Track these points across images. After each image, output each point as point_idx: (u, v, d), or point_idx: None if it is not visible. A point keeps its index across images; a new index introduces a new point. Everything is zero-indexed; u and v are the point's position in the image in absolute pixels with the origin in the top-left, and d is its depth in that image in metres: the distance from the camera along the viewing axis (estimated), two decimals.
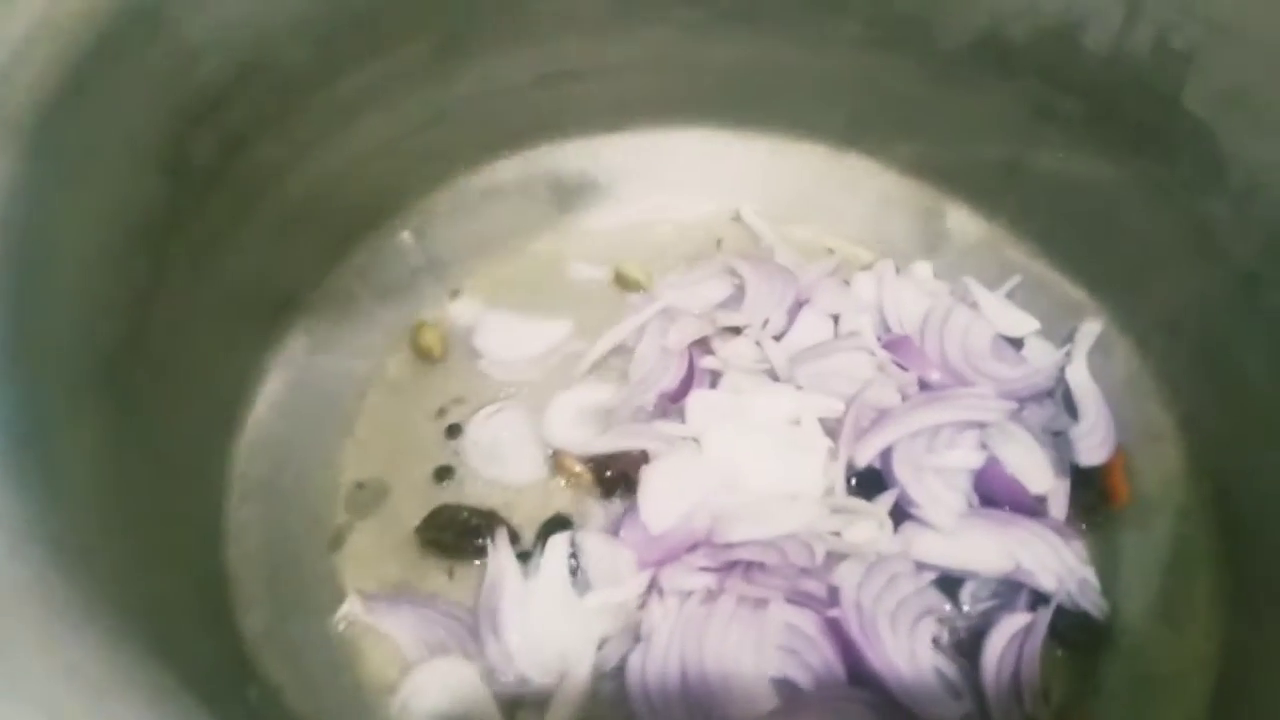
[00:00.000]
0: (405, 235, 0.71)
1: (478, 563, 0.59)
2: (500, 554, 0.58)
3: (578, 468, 0.63)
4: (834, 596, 0.54)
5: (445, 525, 0.61)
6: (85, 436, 0.39)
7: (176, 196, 0.50)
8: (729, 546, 0.55)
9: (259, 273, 0.60)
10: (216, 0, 0.49)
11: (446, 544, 0.60)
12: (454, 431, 0.65)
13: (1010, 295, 0.69)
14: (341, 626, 0.57)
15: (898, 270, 0.71)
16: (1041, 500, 0.60)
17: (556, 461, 0.64)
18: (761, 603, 0.54)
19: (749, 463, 0.59)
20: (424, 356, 0.69)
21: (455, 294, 0.72)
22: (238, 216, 0.56)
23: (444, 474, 0.64)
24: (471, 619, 0.57)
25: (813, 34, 0.68)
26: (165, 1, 0.46)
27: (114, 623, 0.28)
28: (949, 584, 0.57)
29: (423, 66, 0.65)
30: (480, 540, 0.59)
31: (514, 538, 0.60)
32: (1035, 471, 0.60)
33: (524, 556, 0.59)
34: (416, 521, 0.61)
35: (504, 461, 0.64)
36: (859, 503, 0.57)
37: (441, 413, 0.66)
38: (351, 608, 0.57)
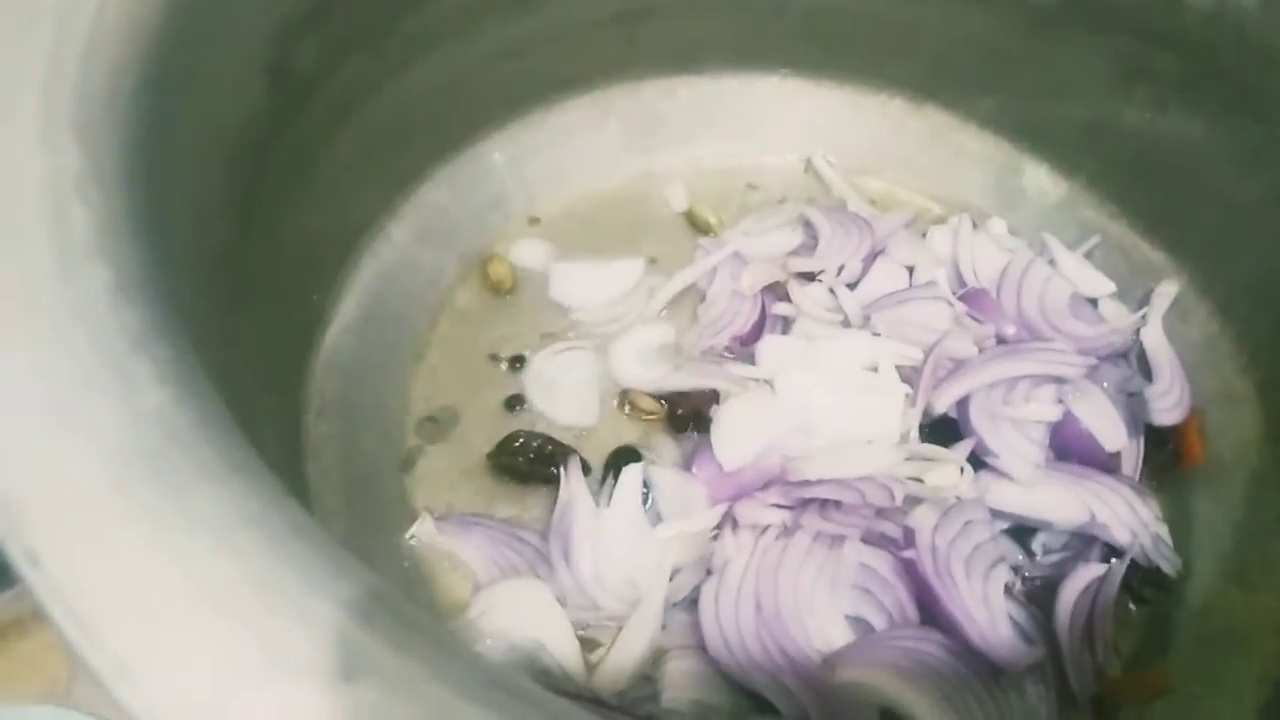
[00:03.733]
0: (479, 168, 0.71)
1: (546, 489, 0.60)
2: (573, 482, 0.58)
3: (649, 404, 0.63)
4: (909, 539, 0.54)
5: (519, 450, 0.61)
6: (207, 325, 0.39)
7: (278, 105, 0.50)
8: (804, 485, 0.56)
9: (344, 190, 0.60)
10: None
11: (519, 469, 0.60)
12: (517, 364, 0.66)
13: (1088, 255, 0.69)
14: (414, 544, 0.57)
15: (974, 226, 0.70)
16: (1115, 457, 0.60)
17: (626, 399, 0.64)
18: (837, 541, 0.54)
19: (823, 406, 0.59)
20: (494, 289, 0.69)
21: (527, 227, 0.72)
22: (330, 129, 0.56)
23: (515, 402, 0.64)
24: (543, 544, 0.57)
25: None
26: None
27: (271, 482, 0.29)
28: (1021, 534, 0.57)
29: None
30: (553, 468, 0.59)
31: (585, 468, 0.60)
32: (1110, 429, 0.60)
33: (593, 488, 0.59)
34: (486, 448, 0.61)
35: (561, 402, 0.64)
36: (937, 449, 0.57)
37: (509, 345, 0.66)
38: (423, 527, 0.57)
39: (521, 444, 0.60)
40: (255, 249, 0.50)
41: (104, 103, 0.34)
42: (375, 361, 0.63)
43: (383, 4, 0.57)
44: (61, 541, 0.24)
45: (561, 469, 0.59)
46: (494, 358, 0.66)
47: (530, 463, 0.60)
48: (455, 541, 0.57)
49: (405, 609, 0.27)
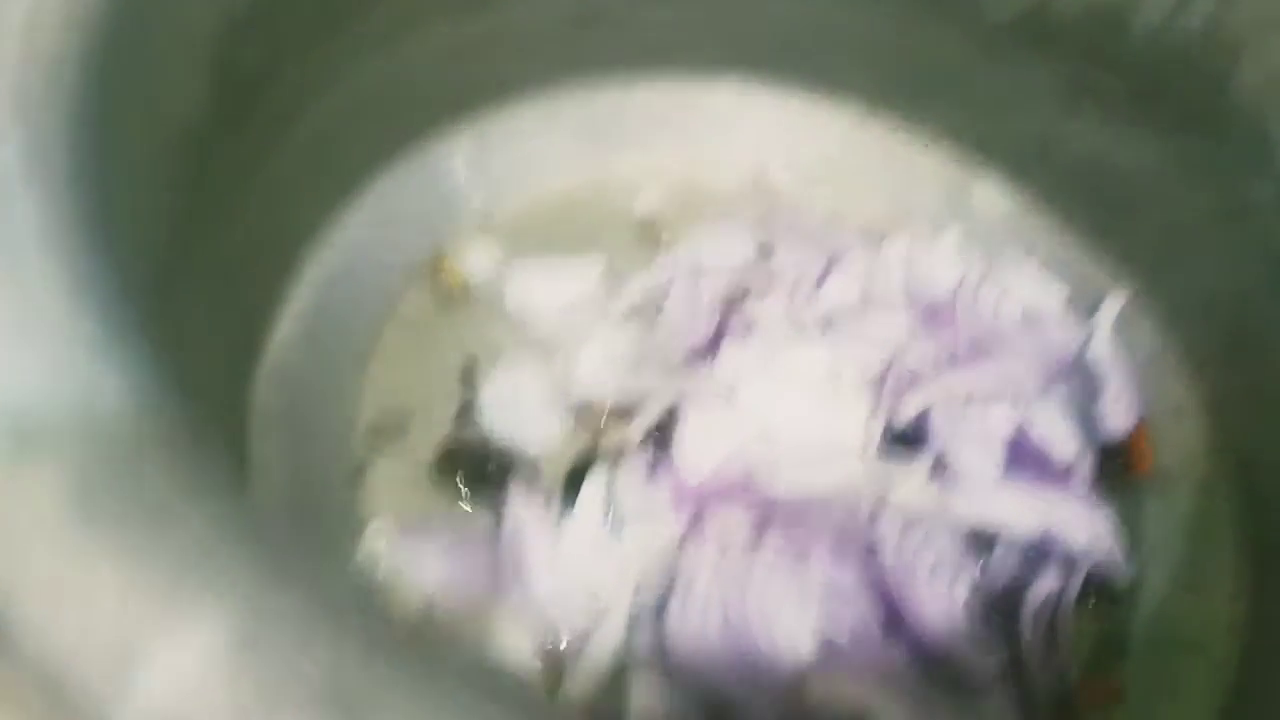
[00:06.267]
0: (427, 170, 0.69)
1: (499, 500, 0.58)
2: (516, 500, 0.56)
3: (606, 413, 0.62)
4: (873, 551, 0.54)
5: (462, 458, 0.59)
6: (152, 336, 0.36)
7: (223, 103, 0.48)
8: (769, 497, 0.55)
9: (288, 194, 0.58)
10: None
11: (464, 478, 0.59)
12: (469, 373, 0.64)
13: (1037, 269, 0.70)
14: (365, 559, 0.55)
15: (926, 238, 0.71)
16: (1068, 468, 0.61)
17: (584, 411, 0.62)
18: (802, 554, 0.53)
19: (786, 417, 0.59)
20: (444, 295, 0.67)
21: (478, 230, 0.70)
22: (276, 131, 0.54)
23: (466, 412, 0.62)
24: (498, 557, 0.55)
25: None
26: None
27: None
28: (981, 543, 0.57)
29: None
30: (498, 481, 0.58)
31: (532, 484, 0.58)
32: (1062, 440, 0.61)
33: (544, 504, 0.58)
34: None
35: (519, 424, 0.62)
36: (900, 462, 0.57)
37: (460, 352, 0.64)
38: (374, 542, 0.55)
39: (467, 452, 0.59)
40: (196, 256, 0.47)
41: (45, 92, 0.32)
42: (320, 371, 0.60)
43: (331, 4, 0.55)
44: (25, 571, 0.22)
45: (505, 484, 0.57)
46: (445, 366, 0.64)
47: (475, 471, 0.58)
48: (407, 556, 0.55)
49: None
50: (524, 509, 0.56)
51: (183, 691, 0.21)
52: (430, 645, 0.26)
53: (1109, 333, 0.66)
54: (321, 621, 0.23)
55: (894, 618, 0.53)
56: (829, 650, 0.52)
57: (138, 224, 0.39)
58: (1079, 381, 0.65)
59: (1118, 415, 0.62)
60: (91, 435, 0.24)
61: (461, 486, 0.58)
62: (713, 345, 0.64)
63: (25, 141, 0.29)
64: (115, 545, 0.22)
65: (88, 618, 0.21)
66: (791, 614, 0.52)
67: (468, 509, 0.58)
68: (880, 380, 0.61)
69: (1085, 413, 0.63)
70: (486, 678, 0.26)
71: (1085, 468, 0.61)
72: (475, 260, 0.68)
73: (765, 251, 0.70)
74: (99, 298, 0.27)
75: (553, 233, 0.71)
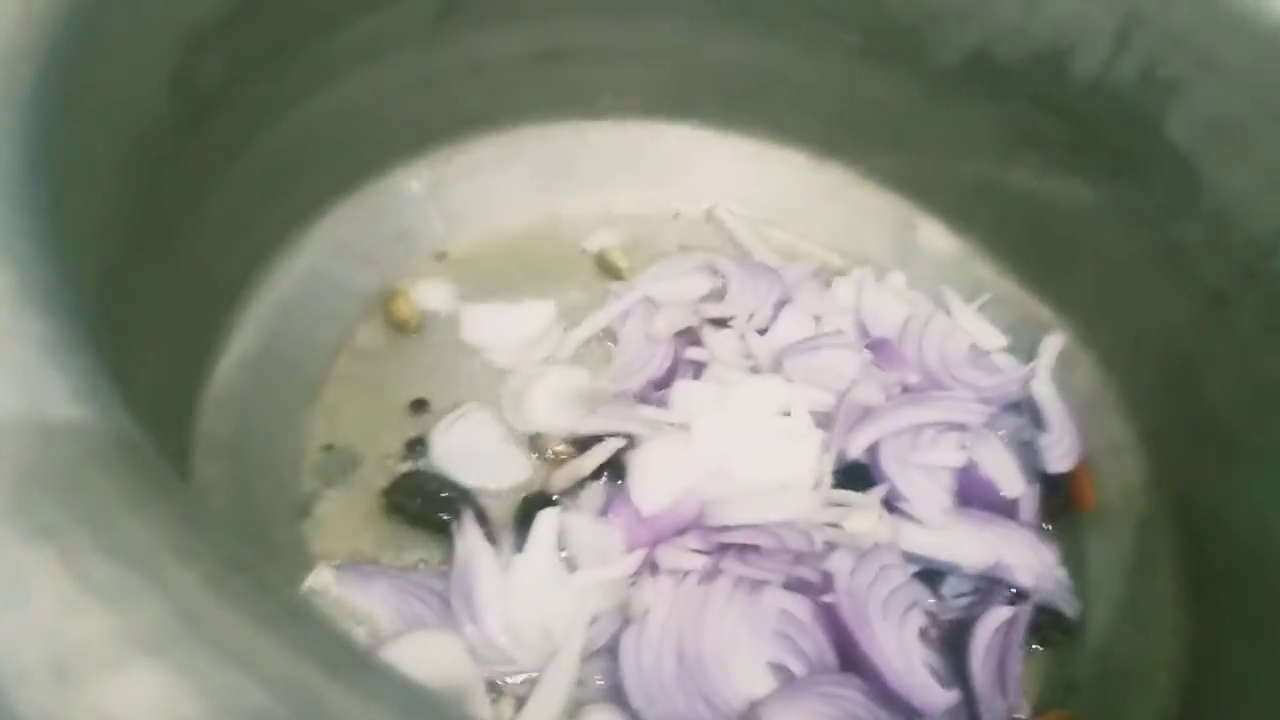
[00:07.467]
0: (384, 200, 0.69)
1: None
2: (468, 536, 0.56)
3: (560, 448, 0.61)
4: (827, 584, 0.54)
5: (414, 491, 0.58)
6: (91, 351, 0.35)
7: (180, 119, 0.47)
8: (723, 530, 0.55)
9: (243, 217, 0.57)
10: None
11: (413, 511, 0.57)
12: (420, 407, 0.63)
13: (980, 309, 0.72)
14: (311, 596, 0.53)
15: (875, 278, 0.72)
16: (1014, 504, 0.62)
17: (537, 445, 0.62)
18: (758, 586, 0.53)
19: (739, 451, 0.59)
20: (398, 328, 0.66)
21: (433, 264, 0.70)
22: (231, 152, 0.53)
23: (417, 446, 0.61)
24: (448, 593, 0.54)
25: (811, 40, 0.70)
26: None
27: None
28: (931, 577, 0.58)
29: (424, 27, 0.63)
30: (445, 516, 0.57)
31: (483, 519, 0.58)
32: (1009, 476, 0.62)
33: (495, 539, 0.57)
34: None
35: (475, 456, 0.61)
36: (853, 494, 0.58)
37: (413, 386, 0.64)
38: (320, 577, 0.54)
39: (418, 484, 0.58)
40: (146, 272, 0.47)
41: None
42: (269, 399, 0.59)
43: (291, 24, 0.55)
44: None
45: (454, 520, 0.56)
46: (397, 398, 0.63)
47: (425, 506, 0.57)
48: (356, 592, 0.53)
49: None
50: (475, 544, 0.55)
51: (125, 702, 0.19)
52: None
53: (1049, 372, 0.68)
54: (270, 627, 0.22)
55: (850, 651, 0.53)
56: (785, 682, 0.52)
57: (89, 231, 0.38)
58: (1023, 419, 0.66)
59: (1060, 454, 0.64)
60: (35, 436, 0.23)
61: (405, 515, 0.57)
62: (667, 379, 0.65)
63: None
64: (53, 551, 0.21)
65: (24, 627, 0.20)
66: (746, 647, 0.51)
67: (423, 542, 0.57)
68: (831, 414, 0.61)
69: (1029, 449, 0.64)
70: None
71: (1031, 502, 0.62)
72: (430, 293, 0.68)
73: (719, 287, 0.71)
74: (47, 300, 0.26)
75: (508, 268, 0.71)
